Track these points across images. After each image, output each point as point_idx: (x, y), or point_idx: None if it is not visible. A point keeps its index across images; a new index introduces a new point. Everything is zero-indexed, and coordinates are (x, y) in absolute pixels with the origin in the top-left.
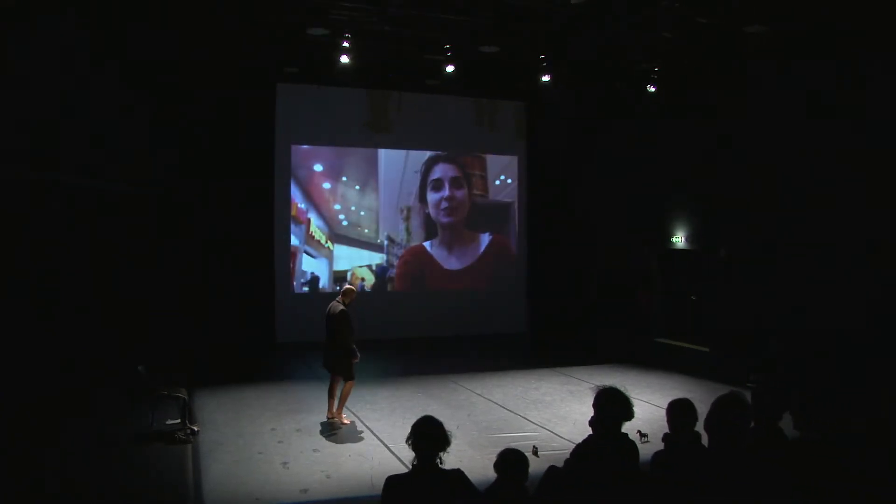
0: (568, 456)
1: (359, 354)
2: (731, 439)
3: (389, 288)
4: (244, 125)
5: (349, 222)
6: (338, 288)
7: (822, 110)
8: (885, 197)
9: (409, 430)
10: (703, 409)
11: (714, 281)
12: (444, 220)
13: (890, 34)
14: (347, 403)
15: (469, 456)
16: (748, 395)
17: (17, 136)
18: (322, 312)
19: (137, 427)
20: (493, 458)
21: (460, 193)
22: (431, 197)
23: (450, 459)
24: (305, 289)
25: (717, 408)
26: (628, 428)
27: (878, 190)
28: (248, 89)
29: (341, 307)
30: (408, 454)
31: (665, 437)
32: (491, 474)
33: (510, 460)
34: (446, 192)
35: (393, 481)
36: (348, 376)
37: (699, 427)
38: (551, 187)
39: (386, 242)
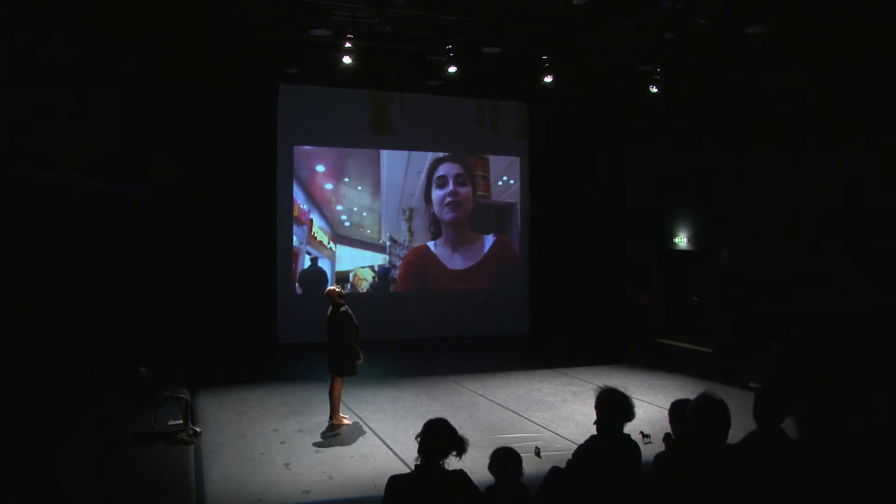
0: (570, 457)
1: (362, 356)
2: (708, 441)
3: (392, 288)
4: (246, 126)
5: (351, 223)
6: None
7: (822, 111)
8: (887, 197)
9: (409, 431)
10: None
11: (716, 282)
12: (448, 216)
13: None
14: (350, 403)
15: (471, 457)
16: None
17: (16, 136)
18: (323, 314)
19: (139, 428)
20: None
21: (464, 190)
22: (436, 194)
23: (452, 460)
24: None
25: (689, 415)
26: (630, 428)
27: (880, 190)
28: (250, 90)
29: (342, 307)
30: (410, 454)
31: (666, 438)
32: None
33: (503, 459)
34: (450, 187)
35: (395, 482)
36: (344, 373)
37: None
38: (553, 188)
39: (388, 243)
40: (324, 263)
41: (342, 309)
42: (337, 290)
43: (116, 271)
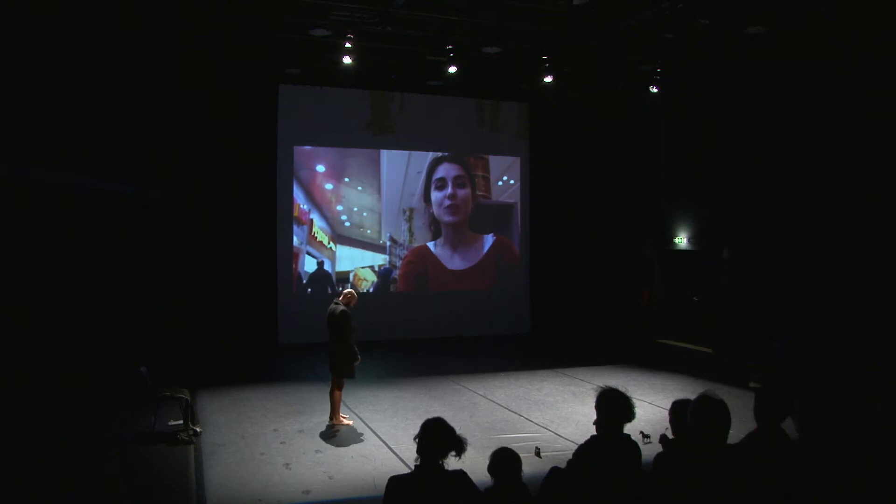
0: (570, 457)
1: (360, 357)
2: (710, 439)
3: (392, 288)
4: (246, 126)
5: (351, 223)
6: (340, 289)
7: (822, 111)
8: (886, 197)
9: (410, 431)
10: None
11: (716, 282)
12: (448, 218)
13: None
14: (350, 403)
15: (472, 457)
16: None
17: (16, 136)
18: (323, 314)
19: (139, 428)
20: None
21: (463, 192)
22: (435, 196)
23: (451, 460)
24: (309, 290)
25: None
26: (631, 428)
27: (879, 190)
28: (251, 90)
29: (342, 307)
30: (410, 454)
31: (662, 439)
32: None
33: (503, 459)
34: (449, 190)
35: (395, 482)
36: (344, 375)
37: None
38: (554, 188)
39: (388, 243)
40: (324, 263)
41: (341, 310)
42: (356, 295)
43: (116, 271)
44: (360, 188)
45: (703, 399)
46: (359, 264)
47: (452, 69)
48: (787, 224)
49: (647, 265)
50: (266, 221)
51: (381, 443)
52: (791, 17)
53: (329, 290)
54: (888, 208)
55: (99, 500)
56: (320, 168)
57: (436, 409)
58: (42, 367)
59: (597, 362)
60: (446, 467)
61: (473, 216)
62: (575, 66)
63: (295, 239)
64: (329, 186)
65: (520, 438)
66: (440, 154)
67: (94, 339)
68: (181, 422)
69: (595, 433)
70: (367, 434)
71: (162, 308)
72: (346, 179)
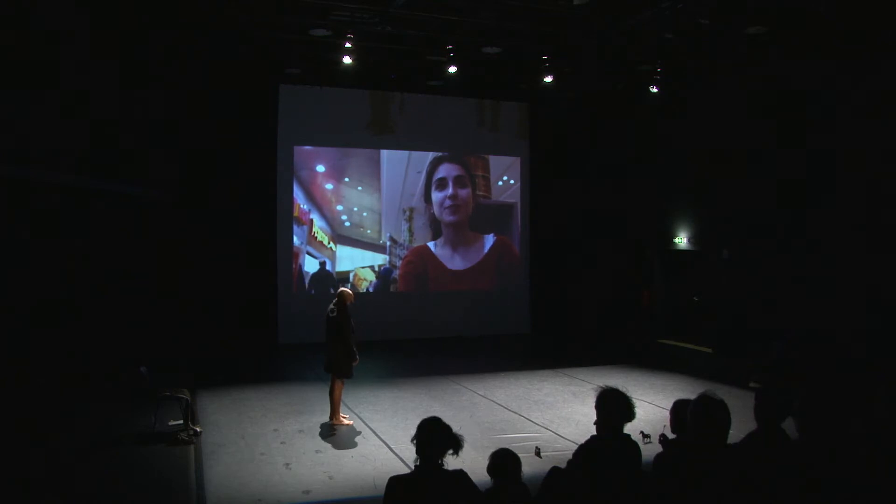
0: (570, 457)
1: (358, 357)
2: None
3: (392, 288)
4: (246, 126)
5: (351, 223)
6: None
7: (821, 110)
8: (886, 197)
9: (410, 431)
10: None
11: (716, 282)
12: (449, 218)
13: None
14: (350, 403)
15: (472, 457)
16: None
17: (18, 136)
18: (323, 314)
19: (140, 428)
20: None
21: (464, 192)
22: (436, 196)
23: (452, 460)
24: (313, 291)
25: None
26: (631, 428)
27: (879, 190)
28: (251, 90)
29: (341, 308)
30: (410, 454)
31: (661, 439)
32: None
33: (502, 460)
34: (450, 190)
35: (395, 482)
36: (343, 375)
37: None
38: (554, 188)
39: (388, 243)
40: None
41: (340, 310)
42: (351, 292)
43: (116, 271)
44: (360, 188)
45: (703, 399)
46: (359, 264)
47: (452, 69)
48: (787, 224)
49: (647, 265)
50: (266, 221)
51: (381, 443)
52: (791, 17)
53: (331, 291)
54: (888, 208)
55: (99, 500)
56: (320, 168)
57: (436, 409)
58: (42, 367)
59: (597, 362)
60: (446, 467)
61: (473, 216)
62: (575, 66)
63: (295, 239)
64: (329, 186)
65: (520, 438)
66: (440, 154)
67: (94, 339)
68: (181, 422)
69: (595, 433)
70: (367, 434)
71: (162, 308)
72: (346, 179)
